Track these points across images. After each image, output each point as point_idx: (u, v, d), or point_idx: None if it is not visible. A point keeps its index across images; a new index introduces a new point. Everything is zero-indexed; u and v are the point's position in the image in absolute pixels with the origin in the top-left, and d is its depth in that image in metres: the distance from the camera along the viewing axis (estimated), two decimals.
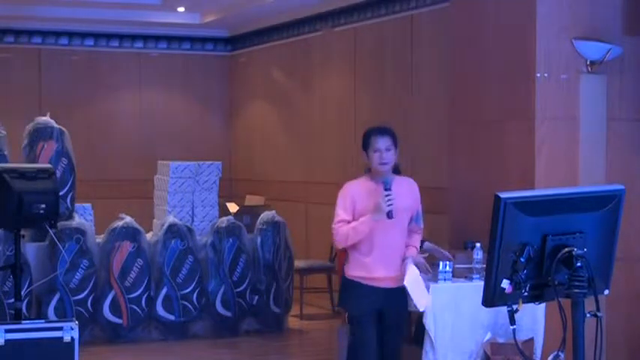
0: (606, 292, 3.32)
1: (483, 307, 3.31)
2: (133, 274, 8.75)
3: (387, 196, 5.45)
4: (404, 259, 5.71)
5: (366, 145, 5.65)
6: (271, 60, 12.43)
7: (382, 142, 5.59)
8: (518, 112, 6.87)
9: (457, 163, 7.51)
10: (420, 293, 5.76)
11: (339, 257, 7.69)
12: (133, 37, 12.99)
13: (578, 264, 3.16)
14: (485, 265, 4.01)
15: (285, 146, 12.02)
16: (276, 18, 11.85)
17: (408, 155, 9.17)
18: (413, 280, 5.68)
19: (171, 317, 8.92)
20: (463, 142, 7.45)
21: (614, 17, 6.99)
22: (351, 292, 5.73)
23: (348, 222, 5.58)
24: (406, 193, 5.68)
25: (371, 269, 5.65)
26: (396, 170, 5.85)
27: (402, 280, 5.64)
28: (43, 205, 7.00)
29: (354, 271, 5.72)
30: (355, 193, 5.64)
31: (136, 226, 8.84)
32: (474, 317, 6.17)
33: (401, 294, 5.73)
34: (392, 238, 5.64)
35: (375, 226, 5.54)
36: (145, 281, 8.82)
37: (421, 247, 6.22)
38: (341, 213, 5.63)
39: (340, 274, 7.70)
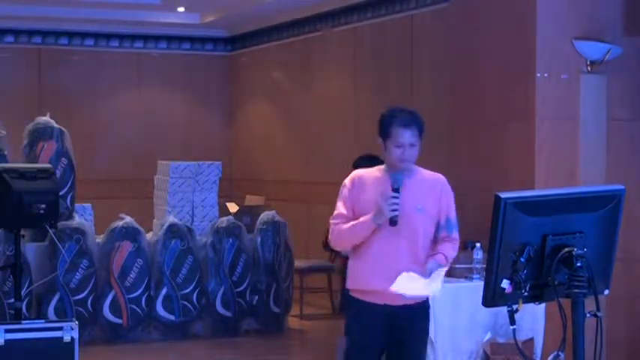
0: (606, 292, 3.32)
1: (483, 307, 3.31)
2: (133, 274, 8.74)
3: (392, 197, 4.41)
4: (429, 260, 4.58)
5: (385, 133, 4.56)
6: (271, 60, 12.43)
7: (407, 137, 4.51)
8: (518, 112, 6.87)
9: (457, 163, 7.51)
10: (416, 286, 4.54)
11: (339, 258, 7.69)
12: (133, 37, 12.99)
13: (578, 264, 3.16)
14: (485, 265, 4.01)
15: (285, 146, 12.02)
16: (276, 18, 11.85)
17: None
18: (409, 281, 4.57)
19: (171, 317, 8.92)
20: (463, 142, 7.45)
21: (614, 17, 6.99)
22: (350, 309, 4.73)
23: (348, 218, 4.59)
24: (425, 192, 4.57)
25: (367, 280, 4.56)
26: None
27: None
28: (43, 205, 7.01)
29: (350, 282, 4.69)
30: (361, 184, 4.61)
31: (136, 226, 8.84)
32: (474, 317, 6.17)
33: (417, 313, 4.63)
34: (397, 247, 4.52)
35: (378, 230, 4.49)
36: (145, 281, 8.82)
37: None
38: (339, 206, 4.64)
39: (341, 278, 7.71)
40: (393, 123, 4.52)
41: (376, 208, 4.44)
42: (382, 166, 4.65)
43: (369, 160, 6.60)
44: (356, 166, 5.99)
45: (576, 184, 6.67)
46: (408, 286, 4.49)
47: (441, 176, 4.70)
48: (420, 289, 4.51)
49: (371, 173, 4.65)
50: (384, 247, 4.51)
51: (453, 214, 4.68)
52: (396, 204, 4.40)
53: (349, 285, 4.68)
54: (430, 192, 4.60)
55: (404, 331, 4.58)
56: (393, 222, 4.44)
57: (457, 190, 7.52)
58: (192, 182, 9.50)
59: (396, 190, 4.44)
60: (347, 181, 4.67)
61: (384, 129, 4.55)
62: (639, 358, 7.03)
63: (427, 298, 4.68)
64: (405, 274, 4.47)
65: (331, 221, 4.65)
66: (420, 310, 4.64)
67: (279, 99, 12.24)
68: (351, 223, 4.54)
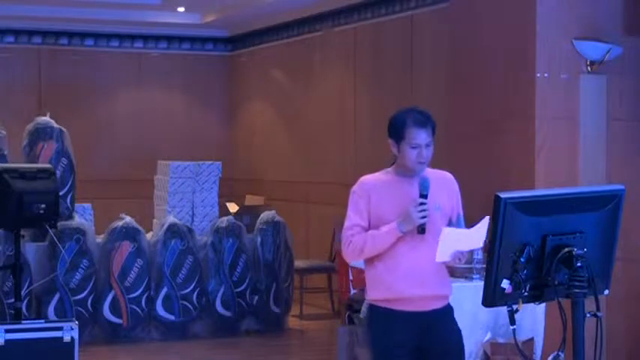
0: (606, 292, 3.32)
1: (483, 307, 3.31)
2: (133, 274, 8.75)
3: (421, 204, 4.21)
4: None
5: (398, 135, 4.34)
6: (271, 60, 12.43)
7: (423, 137, 4.33)
8: (518, 112, 6.87)
9: (457, 163, 7.51)
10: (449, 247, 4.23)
11: (339, 257, 7.69)
12: (133, 37, 12.99)
13: (578, 264, 3.17)
14: (485, 265, 4.01)
15: (285, 146, 12.02)
16: (276, 18, 11.85)
17: None
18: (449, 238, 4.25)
19: (172, 317, 8.92)
20: (463, 142, 7.45)
21: (614, 17, 6.99)
22: (376, 321, 4.44)
23: (364, 228, 4.35)
24: (439, 190, 4.40)
25: (389, 287, 4.34)
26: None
27: (443, 291, 4.46)
28: (43, 205, 7.01)
29: (372, 292, 4.43)
30: (373, 190, 4.36)
31: (136, 226, 8.84)
32: (474, 317, 6.17)
33: (443, 319, 4.42)
34: (419, 248, 4.32)
35: (401, 237, 4.28)
36: (145, 281, 8.82)
37: None
38: (353, 216, 4.36)
39: (341, 276, 7.70)
40: (407, 123, 4.33)
41: (404, 216, 4.22)
42: (389, 169, 4.44)
43: None
44: None
45: (576, 184, 6.67)
46: (455, 245, 4.22)
47: (448, 174, 4.57)
48: (469, 243, 4.26)
49: (379, 179, 4.41)
50: (407, 251, 4.31)
51: (462, 211, 4.57)
52: (425, 210, 4.21)
53: (373, 295, 4.41)
54: (443, 190, 4.42)
55: (434, 336, 4.38)
56: (421, 229, 4.24)
57: None
58: (192, 182, 9.50)
59: (424, 196, 4.23)
60: (356, 188, 4.40)
61: (398, 130, 4.34)
62: (639, 357, 7.03)
63: (449, 302, 4.50)
64: (445, 236, 4.19)
65: (346, 233, 4.35)
66: (446, 311, 4.44)
67: (279, 99, 12.24)
68: (371, 233, 4.30)
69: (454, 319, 4.48)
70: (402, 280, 4.31)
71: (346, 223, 4.38)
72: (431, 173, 4.44)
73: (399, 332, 4.34)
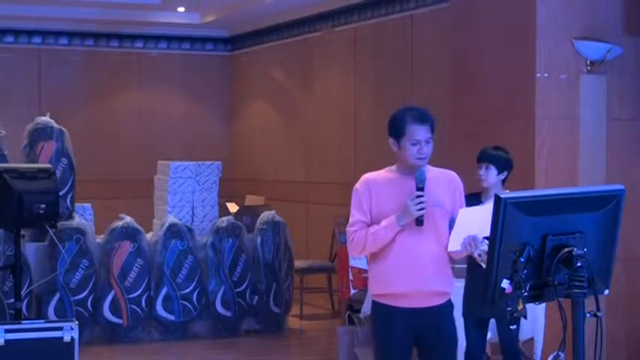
0: (606, 292, 3.32)
1: None
2: (133, 274, 8.75)
3: (418, 197, 4.30)
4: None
5: (397, 132, 4.43)
6: (271, 60, 12.43)
7: (423, 133, 4.40)
8: (518, 112, 6.87)
9: (457, 163, 7.50)
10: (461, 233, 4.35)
11: (339, 257, 7.70)
12: (133, 37, 12.98)
13: (578, 264, 3.17)
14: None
15: (285, 146, 12.02)
16: (276, 18, 11.85)
17: None
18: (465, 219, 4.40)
19: (172, 317, 8.92)
20: (463, 142, 7.45)
21: (614, 17, 6.99)
22: (377, 317, 4.54)
23: (366, 224, 4.44)
24: (441, 188, 4.47)
25: (389, 283, 4.43)
26: None
27: (444, 287, 4.49)
28: (43, 205, 7.01)
29: (373, 287, 4.54)
30: (374, 186, 4.45)
31: (136, 226, 8.84)
32: None
33: (443, 315, 4.49)
34: (420, 244, 4.39)
35: (400, 231, 4.37)
36: (145, 281, 8.82)
37: None
38: (355, 213, 4.46)
39: (341, 276, 7.71)
40: (407, 120, 4.41)
41: (402, 209, 4.32)
42: (392, 167, 4.52)
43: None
44: (485, 159, 5.82)
45: (576, 184, 6.67)
46: (468, 230, 4.28)
47: (452, 173, 4.62)
48: (482, 226, 4.09)
49: (381, 176, 4.51)
50: (406, 248, 4.38)
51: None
52: (423, 202, 4.29)
53: (374, 290, 4.51)
54: (446, 188, 4.49)
55: (433, 332, 4.45)
56: (419, 222, 4.33)
57: None
58: (192, 182, 9.50)
59: (420, 189, 4.32)
60: (358, 186, 4.49)
61: (398, 127, 4.43)
62: (639, 357, 7.03)
63: (450, 298, 4.55)
64: (461, 218, 4.33)
65: (349, 229, 4.46)
66: (446, 308, 4.50)
67: (279, 99, 12.24)
68: (373, 228, 4.38)
69: (452, 316, 4.55)
70: (401, 275, 4.38)
71: (350, 221, 4.47)
72: (434, 171, 4.50)
73: (399, 329, 4.42)
